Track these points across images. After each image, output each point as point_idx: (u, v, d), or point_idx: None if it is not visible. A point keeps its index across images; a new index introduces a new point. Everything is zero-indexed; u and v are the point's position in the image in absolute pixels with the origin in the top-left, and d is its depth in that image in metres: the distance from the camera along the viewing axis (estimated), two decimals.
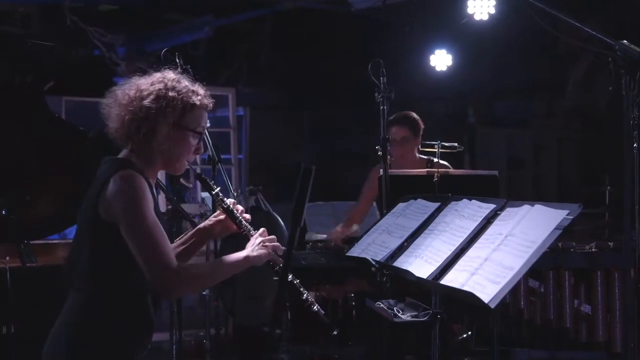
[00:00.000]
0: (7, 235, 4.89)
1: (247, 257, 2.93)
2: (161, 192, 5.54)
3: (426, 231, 3.29)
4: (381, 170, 4.62)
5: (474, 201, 3.20)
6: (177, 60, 4.31)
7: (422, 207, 3.51)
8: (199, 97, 2.91)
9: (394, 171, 4.84)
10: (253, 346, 5.97)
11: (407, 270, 3.07)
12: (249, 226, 3.09)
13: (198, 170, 3.04)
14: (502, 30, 8.46)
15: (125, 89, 2.87)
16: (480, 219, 3.05)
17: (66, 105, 8.40)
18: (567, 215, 2.70)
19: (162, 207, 6.03)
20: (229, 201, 3.10)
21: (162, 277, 2.68)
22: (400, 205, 3.69)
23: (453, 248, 2.99)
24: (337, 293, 5.01)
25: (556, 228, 2.67)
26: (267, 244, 2.99)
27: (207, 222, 3.16)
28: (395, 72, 4.91)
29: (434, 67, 8.80)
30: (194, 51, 9.60)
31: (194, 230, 3.17)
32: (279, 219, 5.90)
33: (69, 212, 2.99)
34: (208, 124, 3.02)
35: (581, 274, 4.02)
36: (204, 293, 5.62)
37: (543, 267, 3.99)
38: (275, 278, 3.03)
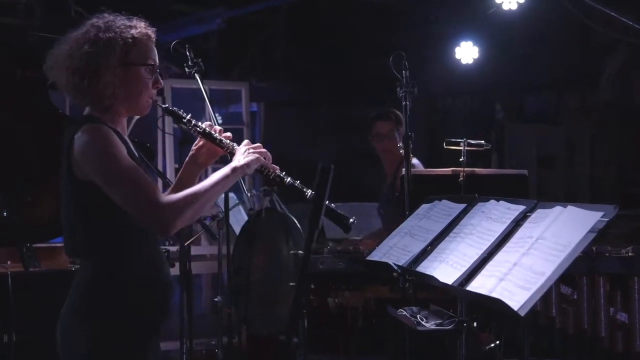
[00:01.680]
0: (9, 238, 4.91)
1: (234, 168, 2.95)
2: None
3: (451, 234, 3.28)
4: (403, 169, 4.62)
5: (502, 202, 3.20)
6: (188, 53, 4.32)
7: (447, 209, 3.50)
8: (139, 30, 2.95)
9: (417, 171, 4.83)
10: (268, 356, 5.97)
11: (431, 276, 3.07)
12: (232, 143, 3.10)
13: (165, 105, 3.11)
14: (532, 20, 8.43)
15: (62, 45, 2.94)
16: (509, 221, 3.04)
17: (70, 101, 8.44)
18: (602, 217, 2.68)
19: None
20: (205, 124, 3.13)
21: (153, 216, 2.74)
22: (424, 206, 3.68)
23: (480, 252, 2.99)
24: (356, 300, 5.01)
25: (590, 231, 2.66)
26: (251, 150, 3.01)
27: (190, 154, 3.21)
28: (418, 66, 4.90)
29: (459, 60, 8.78)
30: (205, 44, 9.63)
31: (182, 168, 3.22)
32: (296, 220, 5.90)
33: None
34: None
35: (617, 280, 4.00)
36: (215, 300, 5.63)
37: (576, 273, 3.98)
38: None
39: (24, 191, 5.03)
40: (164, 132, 8.39)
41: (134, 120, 7.90)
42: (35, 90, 5.00)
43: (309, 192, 3.02)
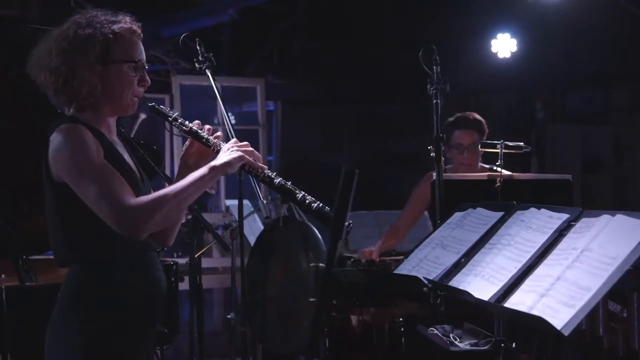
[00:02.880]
0: (3, 250, 4.93)
1: (212, 167, 2.97)
2: None
3: (487, 245, 3.27)
4: (434, 174, 4.61)
5: (543, 210, 3.18)
6: (198, 47, 4.34)
7: (482, 218, 3.49)
8: (121, 25, 3.01)
9: (449, 175, 4.82)
10: None
11: (465, 291, 3.06)
12: (219, 141, 3.14)
13: (150, 103, 3.21)
14: (576, 10, 8.41)
15: (43, 43, 3.02)
16: (551, 231, 3.03)
17: None
18: None
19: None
20: (193, 123, 3.18)
21: (119, 218, 2.80)
22: (457, 215, 3.68)
23: (519, 265, 2.98)
24: (383, 317, 5.01)
25: None
26: (235, 148, 3.04)
27: (180, 156, 3.28)
28: (450, 60, 4.89)
29: (495, 54, 8.78)
30: (217, 37, 9.66)
31: (177, 172, 3.27)
32: (316, 230, 5.89)
33: None
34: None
35: None
36: (228, 317, 5.64)
37: (626, 288, 3.95)
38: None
39: (20, 198, 5.06)
40: (172, 134, 8.42)
41: (139, 121, 7.96)
42: (32, 88, 5.02)
43: (301, 194, 3.04)
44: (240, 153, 3.02)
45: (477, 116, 5.72)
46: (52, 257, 5.55)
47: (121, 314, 2.95)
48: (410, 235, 6.21)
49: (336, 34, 10.44)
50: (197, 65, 4.39)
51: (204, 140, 3.15)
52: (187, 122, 3.17)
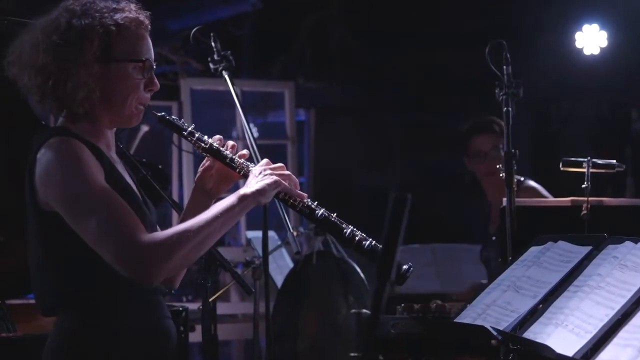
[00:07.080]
0: None
1: (242, 196, 2.96)
2: None
3: (571, 288, 3.27)
4: (504, 199, 4.60)
5: None
6: (213, 44, 4.36)
7: (565, 253, 3.49)
8: (125, 15, 2.98)
9: (522, 201, 4.81)
10: None
11: (544, 345, 3.05)
12: (246, 162, 3.13)
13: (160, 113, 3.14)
14: None
15: (26, 35, 2.98)
16: None
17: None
18: None
19: None
20: (213, 139, 3.16)
21: (132, 259, 2.76)
22: (533, 250, 3.67)
23: (611, 312, 2.97)
24: None
25: None
26: (269, 172, 3.03)
27: (196, 177, 3.27)
28: (525, 59, 4.89)
29: (581, 50, 8.76)
30: (236, 31, 9.71)
31: (190, 197, 3.27)
32: (357, 267, 5.89)
33: None
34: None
35: None
36: None
37: None
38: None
39: None
40: (180, 150, 8.46)
41: (140, 134, 8.00)
42: (10, 95, 5.05)
43: (349, 229, 3.03)
44: (275, 178, 3.00)
45: (496, 119, 5.89)
46: (33, 301, 5.59)
47: None
48: (471, 274, 6.21)
49: (382, 26, 10.45)
50: (211, 65, 4.42)
51: (227, 160, 3.13)
52: (205, 138, 3.15)
